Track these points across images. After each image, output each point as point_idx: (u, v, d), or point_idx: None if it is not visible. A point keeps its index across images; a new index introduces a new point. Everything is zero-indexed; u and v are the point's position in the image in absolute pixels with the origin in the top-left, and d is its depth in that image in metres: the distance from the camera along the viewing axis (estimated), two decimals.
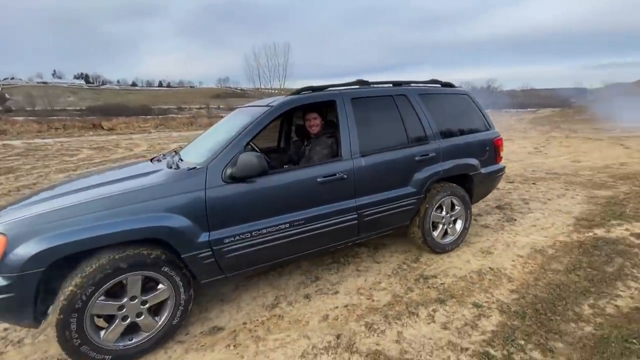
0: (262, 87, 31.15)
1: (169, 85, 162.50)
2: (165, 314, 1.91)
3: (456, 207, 3.06)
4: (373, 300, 2.38)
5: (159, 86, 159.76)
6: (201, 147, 2.47)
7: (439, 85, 3.29)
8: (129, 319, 1.80)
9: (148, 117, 35.53)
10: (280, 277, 2.73)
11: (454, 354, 1.82)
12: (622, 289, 2.37)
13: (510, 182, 5.53)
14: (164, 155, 2.78)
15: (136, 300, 1.81)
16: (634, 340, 1.84)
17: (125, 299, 1.77)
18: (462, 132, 3.13)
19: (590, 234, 3.32)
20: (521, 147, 10.37)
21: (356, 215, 2.48)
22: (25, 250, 1.55)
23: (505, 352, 1.82)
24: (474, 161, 3.09)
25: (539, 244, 3.17)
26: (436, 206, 2.90)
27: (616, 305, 2.20)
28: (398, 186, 2.68)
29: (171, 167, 2.18)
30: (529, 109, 38.72)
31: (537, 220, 3.77)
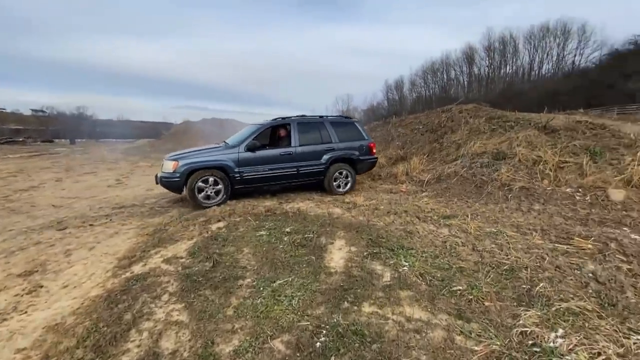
0: None
1: None
2: (219, 197, 5.32)
3: (348, 176, 6.32)
4: None
5: None
6: (235, 139, 5.94)
7: (343, 117, 7.01)
8: (208, 193, 5.24)
9: None
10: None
11: None
12: (133, 339, 2.09)
13: (62, 230, 4.46)
14: (219, 142, 6.40)
15: (211, 186, 5.25)
16: None
17: (209, 185, 5.23)
18: (350, 139, 6.43)
19: (128, 274, 3.00)
20: (103, 179, 9.67)
21: (296, 169, 5.89)
22: (183, 167, 5.13)
23: None
24: (356, 152, 6.38)
25: (62, 313, 2.46)
26: (336, 172, 6.19)
27: None
28: (316, 159, 6.07)
29: (226, 145, 5.77)
30: (128, 140, 39.33)
31: (73, 277, 3.05)
